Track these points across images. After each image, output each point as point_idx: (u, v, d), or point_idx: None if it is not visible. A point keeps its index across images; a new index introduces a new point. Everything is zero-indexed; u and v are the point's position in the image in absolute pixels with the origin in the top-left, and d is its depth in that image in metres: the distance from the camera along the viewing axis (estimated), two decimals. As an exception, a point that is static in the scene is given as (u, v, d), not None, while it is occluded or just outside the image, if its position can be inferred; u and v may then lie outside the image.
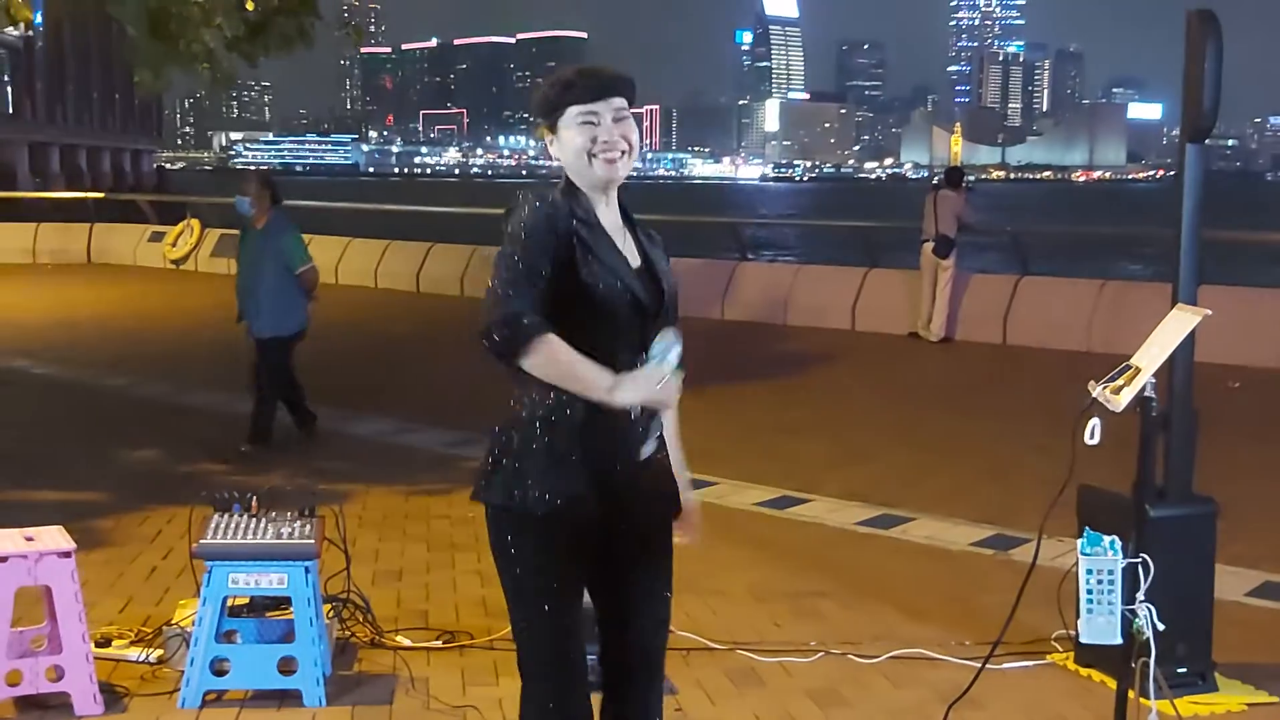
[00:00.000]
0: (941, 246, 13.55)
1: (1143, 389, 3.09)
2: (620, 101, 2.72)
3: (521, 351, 2.55)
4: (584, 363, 2.58)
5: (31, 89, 60.69)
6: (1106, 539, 3.03)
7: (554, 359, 2.56)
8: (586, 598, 2.88)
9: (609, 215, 2.79)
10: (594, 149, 2.69)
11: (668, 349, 2.60)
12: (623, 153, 2.71)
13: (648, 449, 2.71)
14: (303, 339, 8.43)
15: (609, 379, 2.57)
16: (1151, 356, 3.13)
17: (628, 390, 2.56)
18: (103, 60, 66.56)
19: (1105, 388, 3.11)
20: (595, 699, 2.90)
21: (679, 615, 5.06)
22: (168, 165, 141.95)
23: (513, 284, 2.57)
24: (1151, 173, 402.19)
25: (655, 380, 2.57)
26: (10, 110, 59.33)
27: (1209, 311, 3.24)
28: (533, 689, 2.82)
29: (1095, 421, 3.06)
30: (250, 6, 9.26)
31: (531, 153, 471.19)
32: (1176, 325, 3.21)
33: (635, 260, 2.78)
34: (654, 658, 2.91)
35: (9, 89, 59.74)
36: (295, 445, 8.37)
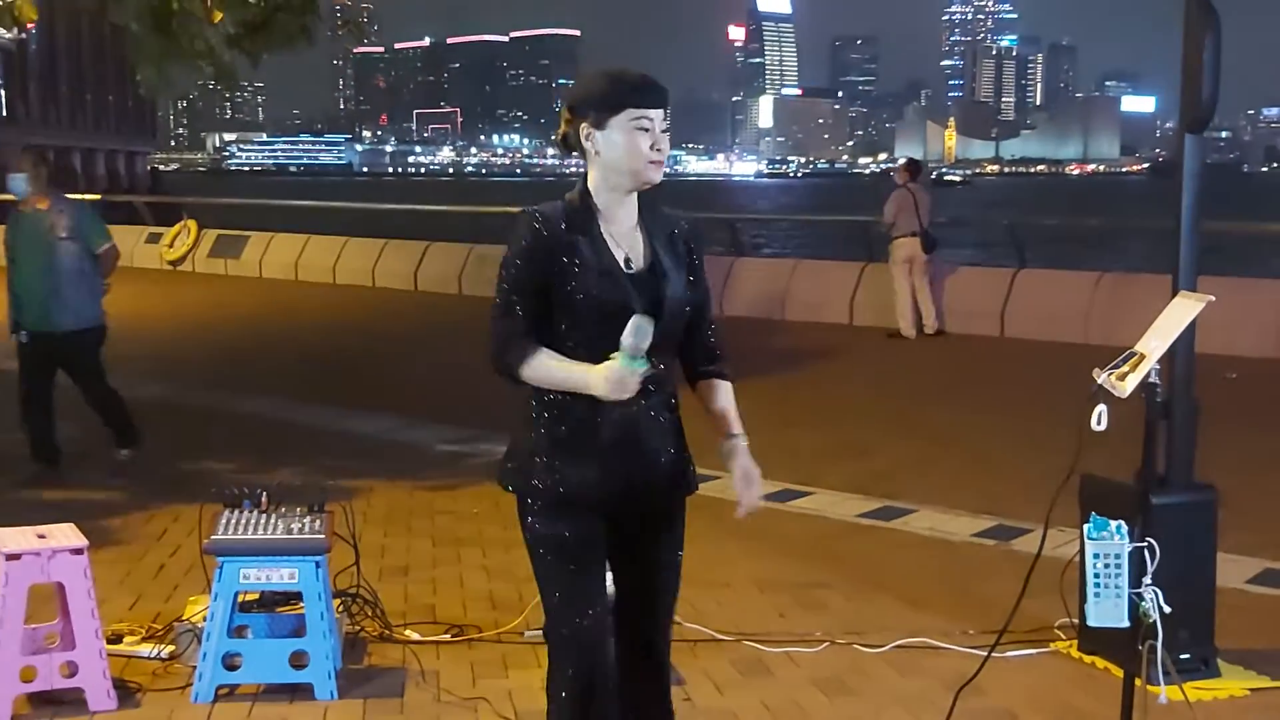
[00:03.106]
0: (930, 240, 13.55)
1: (1147, 375, 3.12)
2: (665, 113, 2.91)
3: (516, 377, 2.87)
4: (565, 375, 2.82)
5: (25, 91, 60.63)
6: (1113, 523, 3.07)
7: (541, 377, 2.85)
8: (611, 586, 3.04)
9: (624, 218, 2.92)
10: (649, 154, 2.85)
11: (630, 346, 2.71)
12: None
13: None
14: (105, 336, 7.55)
15: (589, 383, 2.78)
16: (1155, 343, 3.16)
17: (601, 389, 2.76)
18: (96, 61, 66.50)
19: (1110, 374, 3.14)
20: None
21: (685, 607, 5.09)
22: (161, 167, 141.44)
23: (503, 313, 2.87)
24: (1145, 165, 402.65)
25: (615, 375, 2.73)
26: (4, 113, 59.26)
27: (1212, 298, 3.28)
28: (552, 649, 3.01)
29: (1102, 408, 3.10)
30: (254, 1, 9.23)
31: (526, 151, 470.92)
32: (1179, 311, 3.25)
33: (640, 263, 2.90)
34: (659, 628, 3.07)
35: (2, 91, 59.65)
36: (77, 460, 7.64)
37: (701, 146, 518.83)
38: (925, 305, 13.66)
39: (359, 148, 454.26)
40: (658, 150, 2.85)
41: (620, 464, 2.90)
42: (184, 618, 4.68)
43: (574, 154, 2.92)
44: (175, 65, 9.89)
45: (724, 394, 3.09)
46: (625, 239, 2.92)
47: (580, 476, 2.89)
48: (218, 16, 9.25)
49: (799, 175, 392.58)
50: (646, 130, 2.84)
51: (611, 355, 2.75)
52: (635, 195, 2.93)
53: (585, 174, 2.94)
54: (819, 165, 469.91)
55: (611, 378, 2.73)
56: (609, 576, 3.04)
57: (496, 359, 2.87)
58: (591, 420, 2.87)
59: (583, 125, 2.87)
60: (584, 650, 2.94)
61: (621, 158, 2.85)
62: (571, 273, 2.83)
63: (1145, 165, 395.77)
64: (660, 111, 2.87)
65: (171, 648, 4.62)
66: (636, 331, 2.71)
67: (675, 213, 3.05)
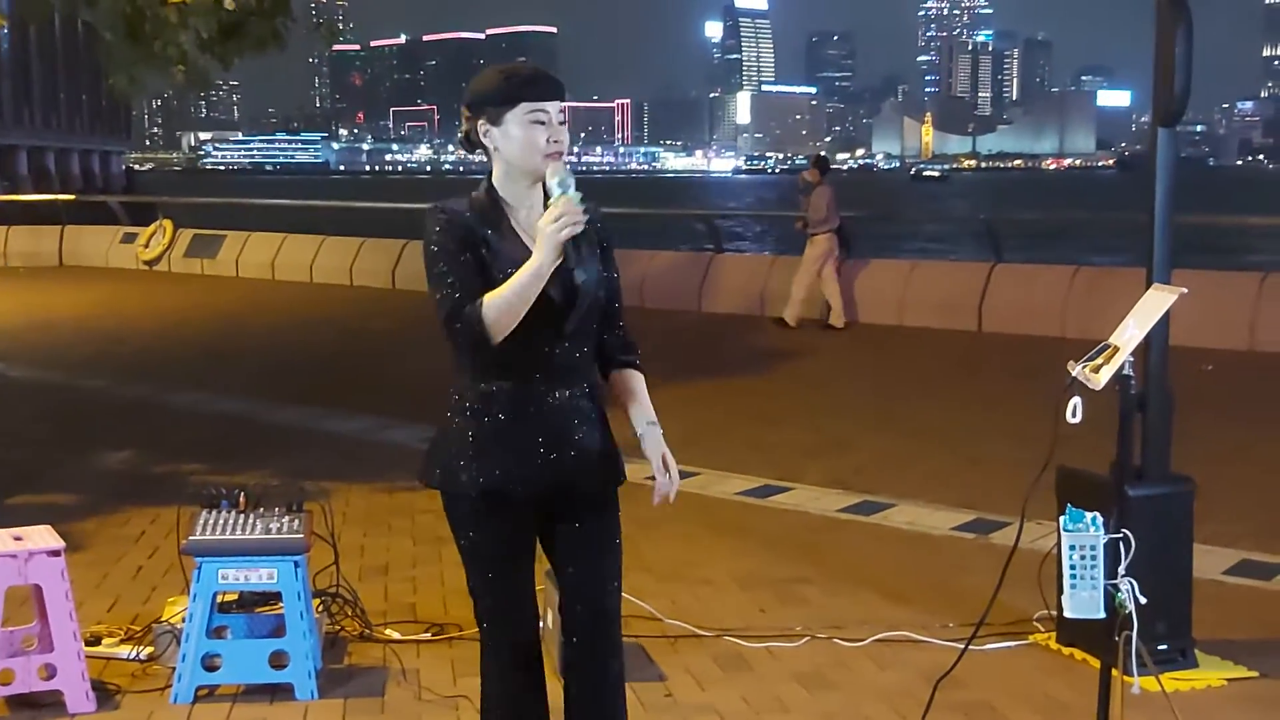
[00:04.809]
0: (845, 235, 14.02)
1: (1121, 367, 3.14)
2: (562, 105, 2.93)
3: (480, 329, 2.78)
4: (513, 283, 2.78)
5: (-3, 91, 60.26)
6: (1088, 515, 3.09)
7: (499, 308, 2.78)
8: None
9: (532, 209, 2.95)
10: (545, 147, 2.87)
11: (561, 183, 2.81)
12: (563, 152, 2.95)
13: (580, 275, 2.85)
14: None
15: (534, 262, 2.77)
16: (1129, 335, 3.19)
17: (546, 247, 2.75)
18: (69, 61, 66.07)
19: (1085, 367, 3.16)
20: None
21: (666, 603, 5.11)
22: (136, 166, 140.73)
23: (442, 285, 2.85)
24: (1114, 160, 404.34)
25: (558, 215, 2.76)
26: (-24, 114, 58.91)
27: (1185, 290, 3.30)
28: (485, 637, 3.14)
29: (1076, 400, 3.11)
30: (230, 7, 9.15)
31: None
32: (1153, 304, 3.27)
33: None
34: (608, 616, 3.08)
35: (-25, 93, 59.27)
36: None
37: (679, 143, 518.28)
38: (836, 296, 13.97)
39: (335, 146, 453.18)
40: (555, 142, 2.88)
41: (548, 456, 2.92)
42: (163, 619, 4.66)
43: (478, 151, 2.96)
44: (147, 71, 9.81)
45: (639, 383, 3.11)
46: (535, 229, 2.92)
47: (507, 471, 2.91)
48: (190, 22, 9.17)
49: (777, 171, 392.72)
50: (543, 123, 2.87)
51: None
52: (540, 187, 2.95)
53: (490, 170, 2.98)
54: (797, 161, 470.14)
55: (550, 216, 2.75)
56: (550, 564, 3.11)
57: (454, 329, 2.81)
58: (518, 412, 2.90)
59: (480, 122, 2.92)
60: (514, 647, 3.08)
61: (519, 152, 2.89)
62: (489, 262, 2.86)
63: (1114, 160, 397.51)
64: (556, 103, 2.90)
65: (150, 649, 4.60)
66: (556, 173, 2.81)
67: (585, 203, 3.07)
